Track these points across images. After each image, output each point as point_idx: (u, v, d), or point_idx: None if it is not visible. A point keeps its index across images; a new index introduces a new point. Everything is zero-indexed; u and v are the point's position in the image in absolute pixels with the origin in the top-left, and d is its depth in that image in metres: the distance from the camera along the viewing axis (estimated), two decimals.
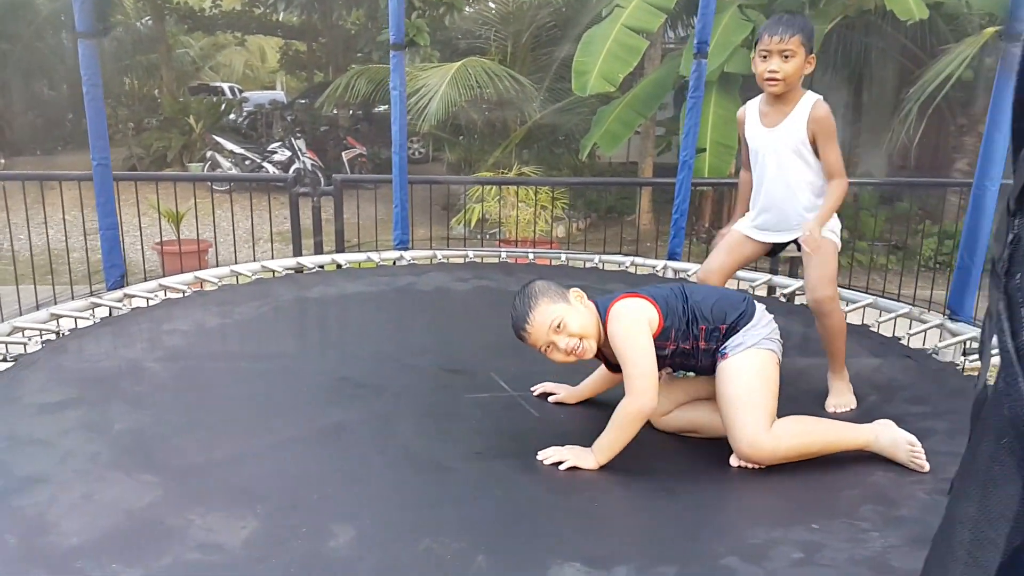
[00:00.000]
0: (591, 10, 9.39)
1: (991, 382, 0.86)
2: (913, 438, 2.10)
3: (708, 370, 2.21)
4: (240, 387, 2.58)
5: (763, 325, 2.20)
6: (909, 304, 3.77)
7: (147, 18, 16.37)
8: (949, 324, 3.41)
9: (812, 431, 2.15)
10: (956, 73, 7.35)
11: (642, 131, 9.47)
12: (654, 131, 10.11)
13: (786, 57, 2.48)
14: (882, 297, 3.96)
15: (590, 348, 2.12)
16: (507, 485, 1.99)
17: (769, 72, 2.49)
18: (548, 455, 2.08)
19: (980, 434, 0.81)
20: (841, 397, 2.59)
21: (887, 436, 2.13)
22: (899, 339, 3.28)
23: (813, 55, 2.55)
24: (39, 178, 5.05)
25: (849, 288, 3.97)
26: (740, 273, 4.19)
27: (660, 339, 2.11)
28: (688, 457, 2.24)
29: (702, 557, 1.73)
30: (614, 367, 2.22)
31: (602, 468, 2.08)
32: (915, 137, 7.94)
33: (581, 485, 2.02)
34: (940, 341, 3.28)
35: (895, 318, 3.59)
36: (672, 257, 4.44)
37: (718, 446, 2.24)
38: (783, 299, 3.92)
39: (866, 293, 3.93)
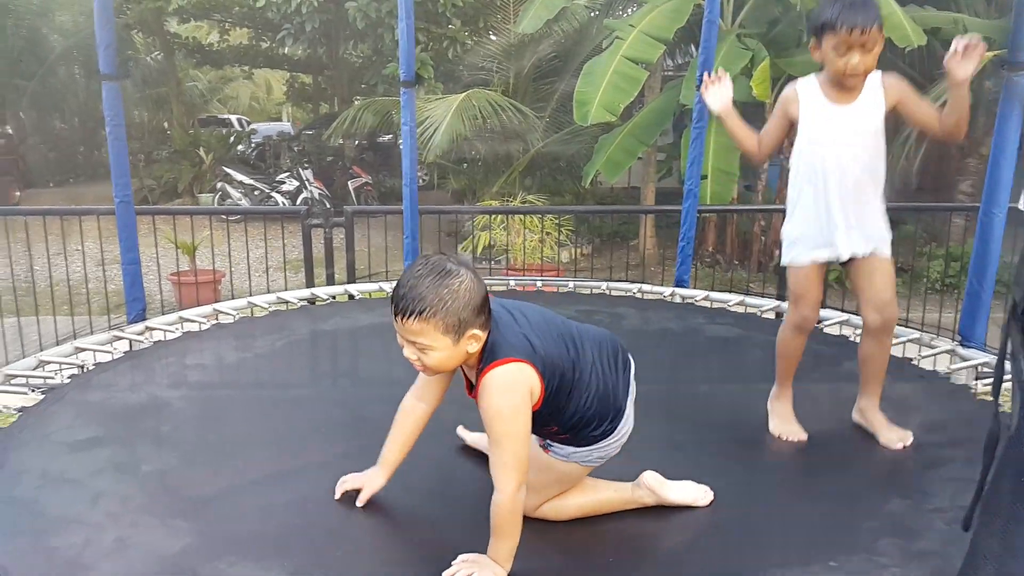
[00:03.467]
0: (591, 42, 9.55)
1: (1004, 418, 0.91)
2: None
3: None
4: (261, 422, 2.63)
5: (615, 442, 1.95)
6: (919, 329, 3.81)
7: (157, 53, 16.65)
8: (960, 350, 3.45)
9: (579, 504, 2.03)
10: None
11: (643, 157, 9.58)
12: (655, 157, 10.22)
13: (867, 48, 2.20)
14: None
15: (429, 375, 1.90)
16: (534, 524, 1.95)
17: (851, 68, 2.22)
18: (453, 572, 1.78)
19: (1000, 471, 0.86)
20: (895, 430, 2.47)
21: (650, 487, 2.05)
22: (911, 359, 3.33)
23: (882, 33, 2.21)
24: (61, 212, 5.15)
25: (858, 313, 4.01)
26: (749, 300, 4.27)
27: (536, 416, 1.80)
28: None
29: None
30: (469, 384, 1.89)
31: (613, 521, 2.03)
32: (915, 160, 8.02)
33: (592, 532, 1.99)
34: (951, 366, 3.31)
35: (904, 343, 3.61)
36: (680, 284, 4.51)
37: (726, 487, 2.20)
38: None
39: None
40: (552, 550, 1.92)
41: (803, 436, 2.50)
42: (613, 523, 2.04)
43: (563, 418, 1.86)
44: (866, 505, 2.14)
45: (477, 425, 2.00)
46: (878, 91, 2.31)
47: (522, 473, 1.74)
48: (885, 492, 2.20)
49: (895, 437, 2.44)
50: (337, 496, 2.08)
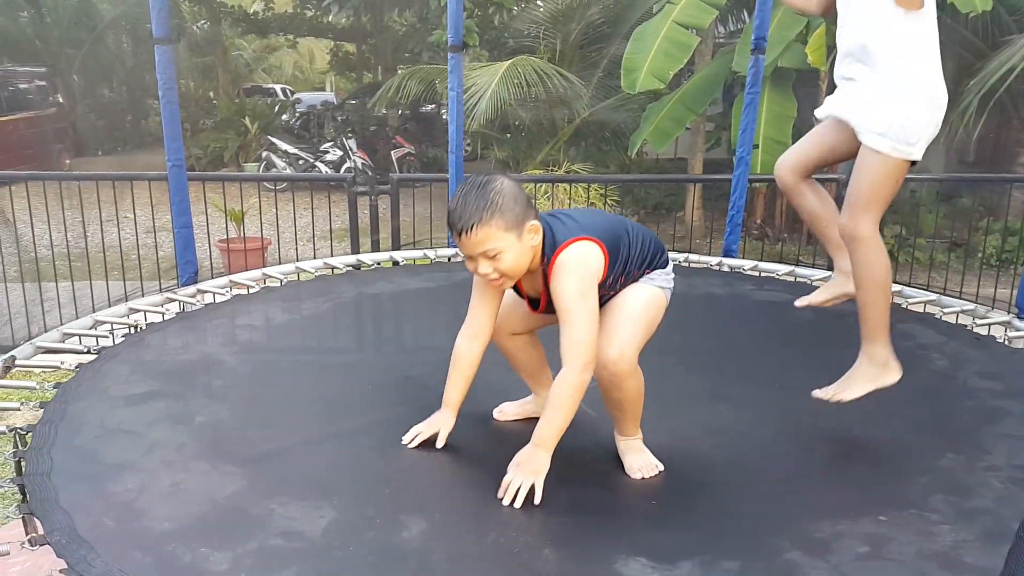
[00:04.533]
0: (641, 6, 9.35)
1: None
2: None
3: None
4: (310, 381, 2.67)
5: (670, 273, 2.11)
6: (973, 300, 3.72)
7: (203, 21, 16.78)
8: (1017, 322, 3.35)
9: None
10: (1021, 65, 7.15)
11: (692, 127, 9.41)
12: (704, 127, 10.03)
13: None
14: (945, 293, 3.91)
15: (507, 285, 1.96)
16: (574, 482, 2.00)
17: None
18: (507, 492, 1.87)
19: None
20: (869, 369, 2.17)
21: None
22: (965, 326, 3.26)
23: None
24: (113, 178, 5.24)
25: (910, 285, 3.92)
26: (799, 271, 4.17)
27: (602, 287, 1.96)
28: (746, 451, 2.24)
29: (765, 552, 1.73)
30: (532, 301, 2.05)
31: (662, 468, 2.06)
32: (975, 131, 7.75)
33: (643, 484, 2.03)
34: (1008, 334, 3.22)
35: (958, 313, 3.53)
36: (728, 253, 4.44)
37: (775, 440, 2.25)
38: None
39: (927, 290, 3.88)
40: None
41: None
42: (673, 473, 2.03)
43: (627, 270, 1.99)
44: (919, 461, 2.12)
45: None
46: None
47: (590, 352, 1.84)
48: (938, 447, 2.18)
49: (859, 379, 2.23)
50: (413, 445, 2.13)
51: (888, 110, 2.09)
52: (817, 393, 2.25)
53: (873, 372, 2.21)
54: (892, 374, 2.20)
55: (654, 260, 2.05)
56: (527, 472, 1.88)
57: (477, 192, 1.83)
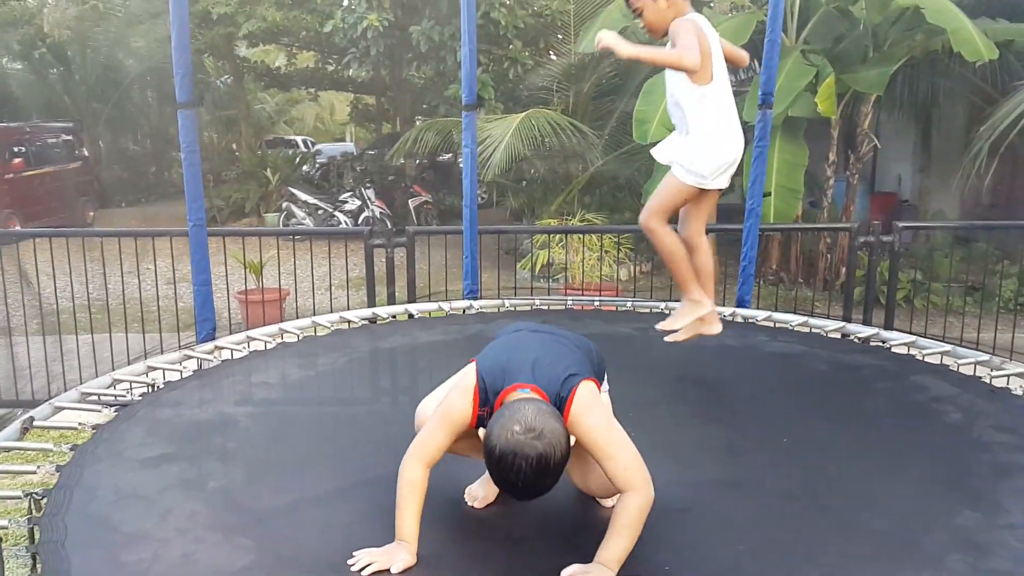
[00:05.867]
0: None
1: None
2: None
3: None
4: (325, 441, 2.68)
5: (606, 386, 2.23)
6: (989, 351, 3.69)
7: (227, 77, 17.24)
8: None
9: None
10: None
11: None
12: None
13: None
14: (961, 344, 3.89)
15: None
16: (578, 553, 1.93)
17: None
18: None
19: None
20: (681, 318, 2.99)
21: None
22: (980, 378, 3.24)
23: None
24: (136, 234, 5.37)
25: (926, 335, 3.90)
26: (812, 321, 4.17)
27: None
28: (760, 506, 2.24)
29: None
30: None
31: (674, 522, 2.05)
32: (986, 176, 7.75)
33: (654, 543, 1.97)
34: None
35: (974, 364, 3.50)
36: (741, 304, 4.44)
37: (795, 493, 2.24)
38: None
39: (943, 341, 3.86)
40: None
41: None
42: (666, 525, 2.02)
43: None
44: (933, 515, 2.10)
45: None
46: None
47: (645, 471, 1.86)
48: (954, 502, 2.15)
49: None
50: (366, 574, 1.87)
51: (684, 148, 2.87)
52: (658, 325, 3.10)
53: (689, 308, 3.02)
54: (703, 307, 3.02)
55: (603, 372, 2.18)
56: None
57: None
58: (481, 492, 2.20)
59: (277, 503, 2.21)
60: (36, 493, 2.18)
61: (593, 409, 1.88)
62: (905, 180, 11.75)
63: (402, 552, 1.89)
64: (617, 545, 1.80)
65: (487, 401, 1.92)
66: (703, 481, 2.36)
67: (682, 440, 2.67)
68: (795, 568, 1.94)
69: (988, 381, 3.21)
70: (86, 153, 15.99)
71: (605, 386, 2.20)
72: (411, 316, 4.40)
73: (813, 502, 2.25)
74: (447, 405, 1.97)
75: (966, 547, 1.96)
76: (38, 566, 1.90)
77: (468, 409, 1.93)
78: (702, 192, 2.91)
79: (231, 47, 15.00)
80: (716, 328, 3.14)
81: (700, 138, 2.82)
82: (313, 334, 4.01)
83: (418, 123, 12.55)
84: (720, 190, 2.94)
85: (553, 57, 11.53)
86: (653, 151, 2.99)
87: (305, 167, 16.56)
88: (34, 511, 2.14)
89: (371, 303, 5.03)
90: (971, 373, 3.39)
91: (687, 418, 2.91)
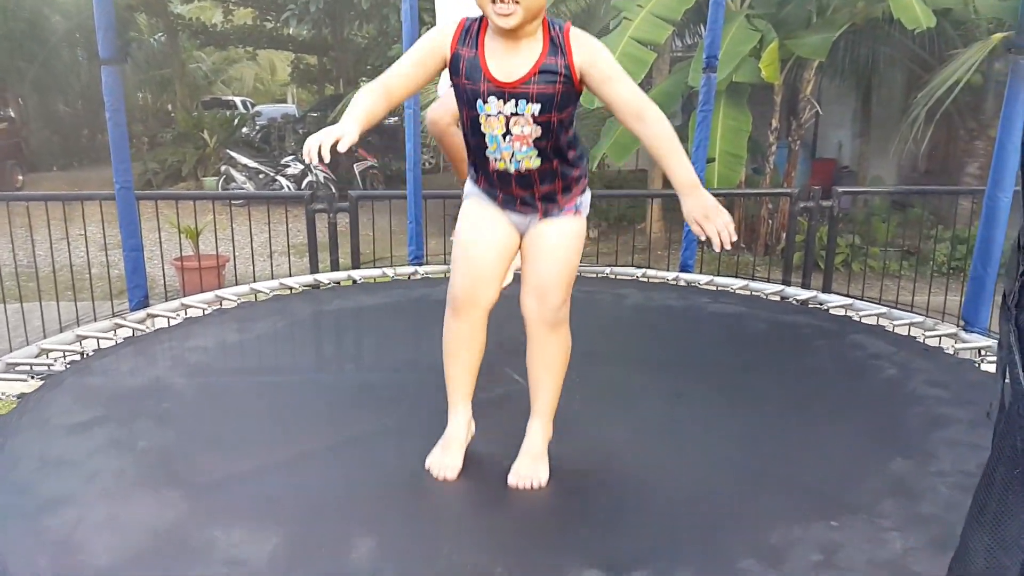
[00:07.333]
0: (599, 22, 9.44)
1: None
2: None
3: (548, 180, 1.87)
4: (261, 402, 2.63)
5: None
6: (923, 313, 3.80)
7: (160, 34, 16.59)
8: (963, 334, 3.43)
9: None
10: (965, 78, 7.36)
11: None
12: None
13: None
14: (896, 306, 3.99)
15: (515, 20, 1.68)
16: (524, 492, 2.01)
17: None
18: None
19: (994, 462, 0.85)
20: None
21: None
22: (914, 338, 3.35)
23: None
24: (63, 198, 5.14)
25: (863, 299, 3.99)
26: (753, 285, 4.24)
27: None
28: (701, 455, 2.28)
29: (719, 559, 1.76)
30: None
31: (615, 473, 2.11)
32: (923, 142, 7.94)
33: (596, 489, 2.06)
34: (954, 347, 3.30)
35: (908, 326, 3.61)
36: (684, 269, 4.49)
37: (734, 445, 2.30)
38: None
39: (879, 303, 3.96)
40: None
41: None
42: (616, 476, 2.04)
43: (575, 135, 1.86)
44: (868, 465, 2.17)
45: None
46: None
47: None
48: (888, 452, 2.22)
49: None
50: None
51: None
52: None
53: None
54: None
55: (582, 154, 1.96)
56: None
57: None
58: (448, 458, 2.03)
59: (209, 461, 2.17)
60: None
61: (601, 47, 1.76)
62: (845, 146, 11.97)
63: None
64: (682, 161, 1.79)
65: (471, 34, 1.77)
66: (645, 430, 2.42)
67: (626, 393, 2.72)
68: (735, 512, 1.97)
69: (922, 341, 3.32)
70: (12, 115, 15.27)
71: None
72: (355, 282, 4.32)
73: (750, 453, 2.29)
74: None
75: (899, 493, 2.02)
76: None
77: (450, 29, 1.78)
78: None
79: (164, 3, 14.41)
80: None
81: None
82: (253, 300, 3.91)
83: (362, 84, 12.26)
84: None
85: None
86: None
87: (244, 129, 16.05)
88: None
89: (314, 270, 4.92)
90: (906, 334, 3.50)
91: (633, 373, 2.94)
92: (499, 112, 1.76)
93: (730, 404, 2.63)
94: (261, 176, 12.71)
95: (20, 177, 14.25)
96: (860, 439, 2.34)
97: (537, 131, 1.77)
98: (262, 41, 16.56)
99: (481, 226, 1.92)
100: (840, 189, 4.98)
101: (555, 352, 1.95)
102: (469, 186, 1.98)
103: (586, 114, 9.40)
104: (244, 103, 20.39)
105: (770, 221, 9.29)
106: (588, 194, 1.97)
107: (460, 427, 2.05)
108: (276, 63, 23.56)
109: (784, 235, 7.71)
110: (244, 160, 12.91)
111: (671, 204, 9.56)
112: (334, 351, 3.48)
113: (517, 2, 1.66)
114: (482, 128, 1.79)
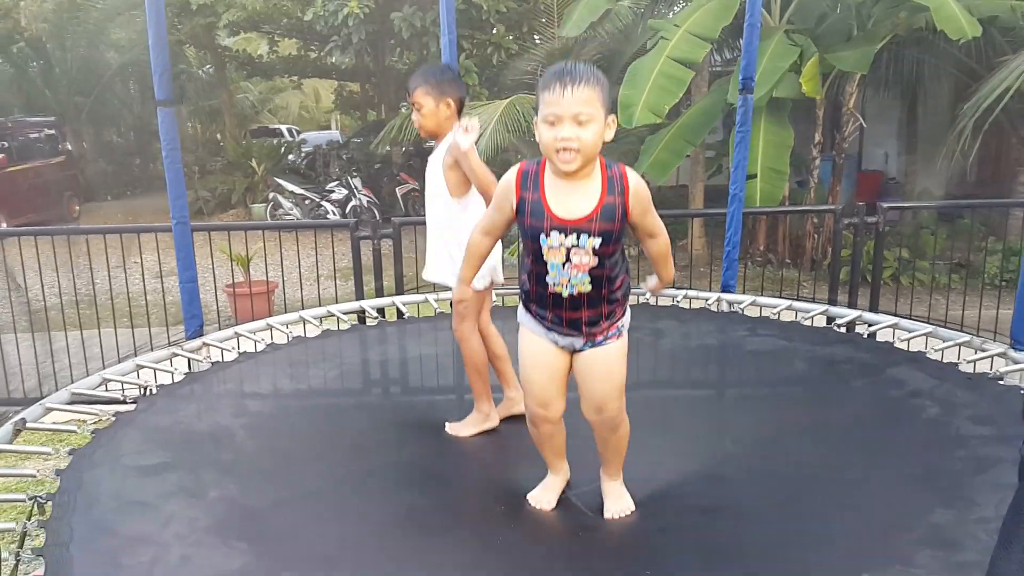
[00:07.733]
0: (636, 43, 9.49)
1: None
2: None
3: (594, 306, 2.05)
4: (315, 447, 2.70)
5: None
6: (971, 332, 3.73)
7: (208, 66, 17.09)
8: (1013, 353, 3.35)
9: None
10: (1015, 85, 7.21)
11: (692, 155, 9.49)
12: (704, 154, 10.11)
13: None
14: (943, 325, 3.92)
15: (575, 164, 1.90)
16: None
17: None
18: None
19: (1022, 494, 0.86)
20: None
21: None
22: (956, 364, 3.26)
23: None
24: (121, 231, 5.34)
25: (910, 316, 3.94)
26: (796, 304, 4.21)
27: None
28: (728, 491, 2.29)
29: None
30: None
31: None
32: (971, 152, 7.79)
33: (599, 538, 2.10)
34: (1003, 369, 3.23)
35: (956, 346, 3.53)
36: (726, 289, 4.48)
37: (767, 488, 2.28)
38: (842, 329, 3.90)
39: (926, 321, 3.90)
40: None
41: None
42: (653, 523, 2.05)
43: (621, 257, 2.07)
44: (906, 512, 2.12)
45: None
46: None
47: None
48: (928, 501, 2.17)
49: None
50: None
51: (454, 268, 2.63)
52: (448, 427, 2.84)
53: (477, 419, 2.84)
54: (490, 422, 2.84)
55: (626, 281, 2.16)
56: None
57: (586, 65, 1.92)
58: (546, 497, 2.30)
59: (272, 510, 2.24)
60: (40, 497, 2.21)
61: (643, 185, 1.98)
62: (891, 158, 11.80)
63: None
64: (669, 273, 2.17)
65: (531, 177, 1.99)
66: (690, 472, 2.42)
67: (667, 437, 2.70)
68: (768, 560, 1.97)
69: (969, 365, 3.23)
70: (69, 147, 15.85)
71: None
72: (400, 313, 4.39)
73: (785, 499, 2.27)
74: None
75: (936, 543, 1.97)
76: (21, 566, 1.92)
77: (512, 177, 2.00)
78: (478, 292, 2.83)
79: (212, 36, 14.87)
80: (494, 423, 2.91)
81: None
82: (301, 328, 4.00)
83: (403, 110, 12.49)
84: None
85: (537, 41, 11.46)
86: (425, 273, 3.07)
87: (291, 156, 16.46)
88: (39, 515, 2.17)
89: (359, 296, 5.02)
90: (954, 355, 3.41)
91: (667, 419, 2.92)
92: (560, 244, 1.96)
93: (771, 441, 2.60)
94: (307, 202, 12.99)
95: (77, 207, 14.79)
96: (900, 487, 2.29)
97: (594, 260, 1.96)
98: (306, 70, 16.99)
99: (538, 359, 2.15)
100: (885, 205, 4.93)
101: (618, 441, 2.21)
102: (521, 313, 2.17)
103: (624, 134, 9.44)
104: (290, 130, 20.89)
105: (815, 236, 9.19)
106: (629, 314, 2.15)
107: (558, 478, 2.34)
108: (320, 91, 24.10)
109: (830, 250, 7.63)
110: (291, 187, 13.22)
111: (713, 220, 9.51)
112: (381, 393, 3.50)
113: (577, 150, 1.86)
114: (544, 257, 1.98)
